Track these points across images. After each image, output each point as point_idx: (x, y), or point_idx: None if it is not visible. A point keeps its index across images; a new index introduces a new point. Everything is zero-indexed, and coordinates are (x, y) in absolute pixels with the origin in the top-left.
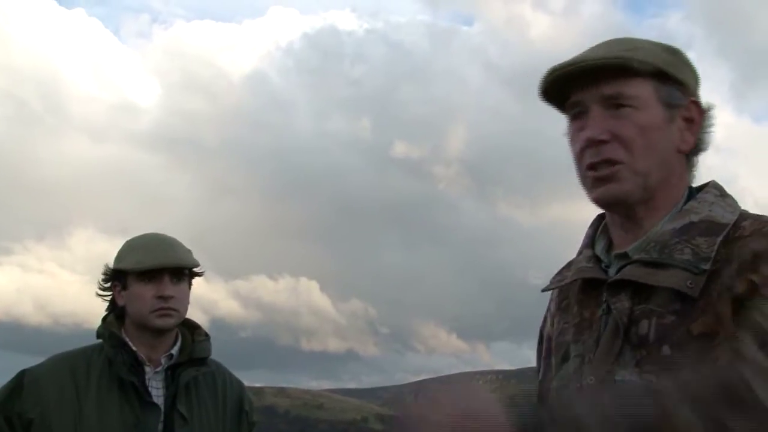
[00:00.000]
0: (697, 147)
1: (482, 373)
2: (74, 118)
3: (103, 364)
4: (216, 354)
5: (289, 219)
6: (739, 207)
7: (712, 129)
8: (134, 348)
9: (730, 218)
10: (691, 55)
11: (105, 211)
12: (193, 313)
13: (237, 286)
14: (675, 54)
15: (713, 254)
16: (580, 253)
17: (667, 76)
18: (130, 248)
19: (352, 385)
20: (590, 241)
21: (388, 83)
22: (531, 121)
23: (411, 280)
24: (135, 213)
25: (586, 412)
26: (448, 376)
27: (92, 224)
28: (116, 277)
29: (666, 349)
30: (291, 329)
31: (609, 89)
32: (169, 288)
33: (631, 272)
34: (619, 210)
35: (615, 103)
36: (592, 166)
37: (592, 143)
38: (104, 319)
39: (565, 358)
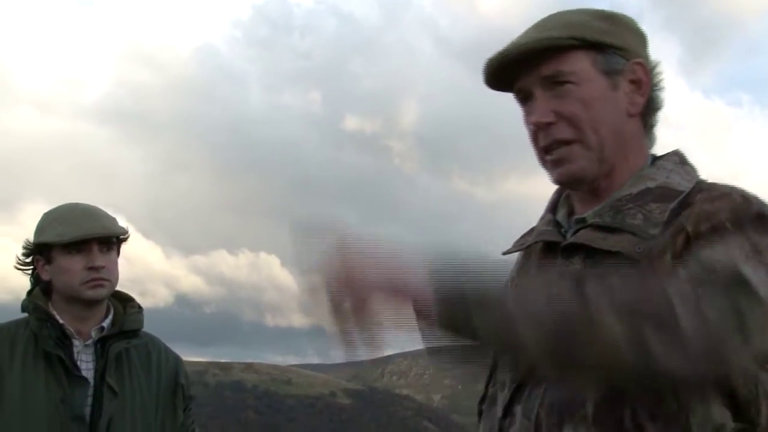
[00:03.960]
0: (650, 107)
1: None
2: (19, 90)
3: (28, 339)
4: (182, 330)
5: (244, 194)
6: (698, 176)
7: (662, 86)
8: (61, 321)
9: (686, 186)
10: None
11: (55, 186)
12: (157, 289)
13: (197, 261)
14: (610, 19)
15: (664, 220)
16: (542, 218)
17: (603, 45)
18: (50, 220)
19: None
20: (552, 206)
21: (338, 56)
22: (484, 95)
23: None
24: (86, 188)
25: (515, 302)
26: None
27: (43, 199)
28: (39, 251)
29: None
30: (255, 305)
31: (546, 70)
32: (99, 258)
33: (584, 236)
34: (581, 187)
35: (555, 82)
36: (545, 149)
37: (540, 127)
38: (29, 293)
39: None
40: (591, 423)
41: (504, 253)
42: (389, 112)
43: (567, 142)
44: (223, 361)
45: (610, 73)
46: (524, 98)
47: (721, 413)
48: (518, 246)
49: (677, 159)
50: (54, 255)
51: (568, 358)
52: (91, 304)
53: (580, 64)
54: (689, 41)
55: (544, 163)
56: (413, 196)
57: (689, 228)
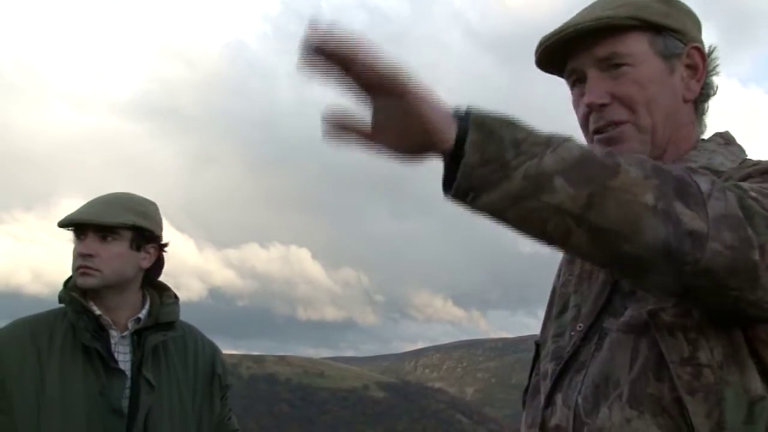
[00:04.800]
0: (704, 93)
1: (482, 342)
2: (54, 87)
3: (66, 330)
4: (216, 323)
5: (275, 187)
6: (744, 155)
7: (717, 72)
8: (98, 312)
9: (728, 166)
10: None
11: (90, 181)
12: (191, 282)
13: (229, 254)
14: (668, 2)
15: None
16: None
17: (662, 27)
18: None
19: (350, 353)
20: None
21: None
22: (514, 87)
23: (401, 248)
24: (120, 182)
25: (554, 149)
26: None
27: (78, 194)
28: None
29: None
30: (287, 298)
31: (602, 51)
32: (90, 246)
33: None
34: None
35: (611, 64)
36: (598, 130)
37: (594, 108)
38: (66, 282)
39: (563, 309)
40: (626, 402)
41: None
42: None
43: (620, 123)
44: (256, 353)
45: (667, 57)
46: (576, 80)
47: (757, 384)
48: None
49: (721, 140)
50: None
51: (597, 215)
52: (94, 293)
53: (637, 46)
54: (724, 28)
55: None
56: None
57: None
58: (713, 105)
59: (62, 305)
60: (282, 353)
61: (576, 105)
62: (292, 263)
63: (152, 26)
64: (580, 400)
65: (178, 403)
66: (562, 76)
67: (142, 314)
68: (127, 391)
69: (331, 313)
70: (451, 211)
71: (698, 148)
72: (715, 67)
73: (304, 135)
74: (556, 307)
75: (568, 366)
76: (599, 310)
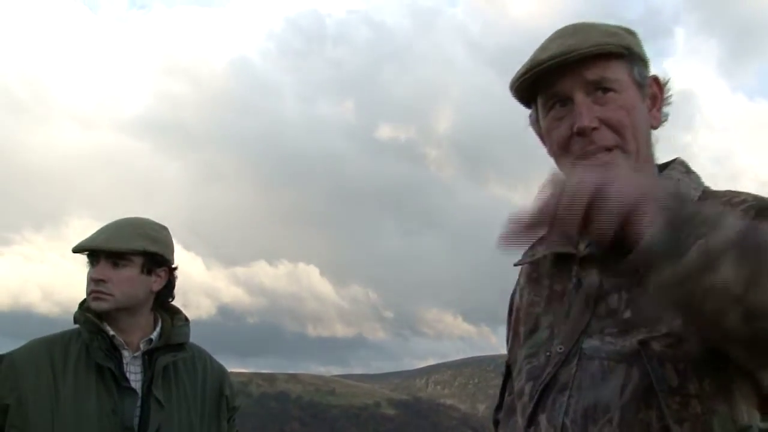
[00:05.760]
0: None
1: (493, 358)
2: (60, 105)
3: (81, 350)
4: (226, 341)
5: (282, 204)
6: (703, 183)
7: (670, 102)
8: (111, 333)
9: (694, 195)
10: (679, 30)
11: (99, 201)
12: (200, 300)
13: (237, 272)
14: (634, 34)
15: None
16: None
17: (635, 56)
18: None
19: (360, 371)
20: None
21: (371, 65)
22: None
23: (409, 263)
24: (129, 202)
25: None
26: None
27: (87, 214)
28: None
29: (627, 313)
30: (296, 315)
31: (591, 75)
32: (101, 272)
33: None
34: None
35: (598, 88)
36: (584, 155)
37: (586, 132)
38: (81, 304)
39: (534, 329)
40: (616, 426)
41: (515, 264)
42: (424, 119)
43: (610, 148)
44: (266, 372)
45: (640, 85)
46: (555, 103)
47: (747, 414)
48: (529, 257)
49: (683, 168)
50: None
51: (757, 294)
52: (107, 316)
53: (621, 73)
54: (729, 42)
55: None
56: (451, 202)
57: None
58: (719, 119)
59: (77, 325)
60: (292, 371)
61: (551, 128)
62: (300, 280)
63: (157, 44)
64: (567, 422)
65: (187, 421)
66: (524, 102)
67: (154, 335)
68: (138, 410)
69: (340, 330)
70: (459, 225)
71: (664, 176)
72: (668, 97)
73: (311, 152)
74: (525, 326)
75: (549, 387)
76: (579, 333)
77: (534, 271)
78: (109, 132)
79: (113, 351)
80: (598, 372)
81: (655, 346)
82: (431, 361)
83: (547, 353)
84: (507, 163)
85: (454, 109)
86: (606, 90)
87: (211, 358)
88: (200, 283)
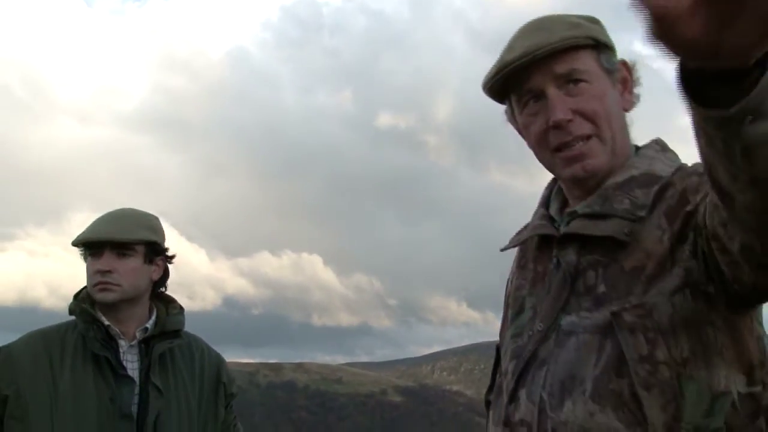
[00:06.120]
0: (633, 104)
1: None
2: (59, 101)
3: (77, 340)
4: (232, 331)
5: (283, 195)
6: (679, 161)
7: (640, 83)
8: (107, 322)
9: (667, 171)
10: None
11: (100, 195)
12: (205, 291)
13: (240, 263)
14: (597, 23)
15: (649, 202)
16: (535, 213)
17: (601, 45)
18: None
19: (366, 359)
20: (545, 201)
21: (369, 53)
22: None
23: (412, 251)
24: (130, 195)
25: None
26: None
27: (88, 208)
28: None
29: (601, 287)
30: (301, 305)
31: (561, 68)
32: (107, 262)
33: (576, 225)
34: (594, 181)
35: (569, 80)
36: (562, 146)
37: (560, 125)
38: (76, 295)
39: (520, 311)
40: (589, 396)
41: (502, 250)
42: (423, 107)
43: (587, 137)
44: (273, 362)
45: (609, 72)
46: (529, 99)
47: (726, 379)
48: (515, 242)
49: (658, 147)
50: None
51: None
52: (104, 307)
53: (589, 63)
54: None
55: (554, 161)
56: (451, 190)
57: (687, 207)
58: None
59: (72, 317)
60: (298, 360)
61: (528, 124)
62: (304, 270)
63: (153, 37)
64: (545, 396)
65: (186, 407)
66: (498, 99)
67: (149, 324)
68: (137, 397)
69: (345, 319)
70: (461, 212)
71: (639, 154)
72: (638, 79)
73: (310, 141)
74: (512, 309)
75: (529, 363)
76: (558, 311)
77: (523, 257)
78: (107, 126)
79: (109, 340)
80: (574, 345)
81: (627, 317)
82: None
83: (530, 332)
84: (507, 149)
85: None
86: (577, 81)
87: (207, 346)
88: (205, 275)
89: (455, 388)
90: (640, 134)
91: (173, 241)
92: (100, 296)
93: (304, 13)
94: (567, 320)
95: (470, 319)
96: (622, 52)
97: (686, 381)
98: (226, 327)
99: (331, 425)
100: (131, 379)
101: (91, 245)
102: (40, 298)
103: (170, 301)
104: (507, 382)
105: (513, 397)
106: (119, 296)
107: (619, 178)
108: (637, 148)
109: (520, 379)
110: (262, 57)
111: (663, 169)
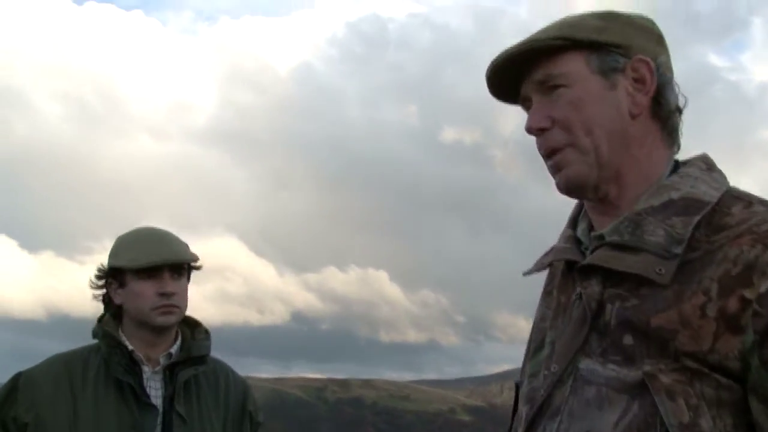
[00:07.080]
0: (662, 107)
1: None
2: (134, 117)
3: (100, 365)
4: (300, 346)
5: (349, 209)
6: (727, 183)
7: (673, 84)
8: (131, 347)
9: (713, 195)
10: (756, 20)
11: (174, 209)
12: (274, 306)
13: (308, 278)
14: (609, 17)
15: (687, 236)
16: (562, 234)
17: (597, 43)
18: (124, 244)
19: (433, 376)
20: (572, 221)
21: (434, 67)
22: None
23: (479, 266)
24: (202, 210)
25: None
26: None
27: (163, 222)
28: (112, 275)
29: (628, 339)
30: (368, 321)
31: (538, 74)
32: (170, 284)
33: (600, 256)
34: (585, 194)
35: (548, 86)
36: (544, 157)
37: (533, 133)
38: (100, 319)
39: (540, 346)
40: None
41: (525, 274)
42: (488, 121)
43: (559, 149)
44: (341, 377)
45: (606, 72)
46: (527, 106)
47: None
48: (539, 266)
49: (704, 165)
50: (127, 279)
51: None
52: (161, 330)
53: (571, 65)
54: None
55: (549, 170)
56: (519, 204)
57: (746, 292)
58: None
59: (96, 340)
60: (366, 376)
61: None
62: (371, 285)
63: (222, 54)
64: None
65: None
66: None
67: (174, 349)
68: (159, 426)
69: (413, 336)
70: (529, 227)
71: (680, 173)
72: (668, 80)
73: (376, 156)
74: (533, 342)
75: (541, 411)
76: (575, 351)
77: (549, 283)
78: (180, 142)
79: (132, 366)
80: (595, 399)
81: (664, 378)
82: (505, 367)
83: (545, 373)
84: None
85: (519, 109)
86: (556, 87)
87: (232, 371)
88: (273, 290)
89: None
90: (714, 147)
91: (243, 256)
92: (162, 319)
93: (369, 29)
94: (586, 364)
95: None
96: (696, 64)
97: None
98: (295, 342)
99: None
100: (154, 407)
101: (152, 267)
102: None
103: (196, 325)
104: (521, 430)
105: None
106: (179, 318)
107: (654, 201)
108: (677, 163)
109: (530, 428)
110: (327, 72)
111: (707, 193)
